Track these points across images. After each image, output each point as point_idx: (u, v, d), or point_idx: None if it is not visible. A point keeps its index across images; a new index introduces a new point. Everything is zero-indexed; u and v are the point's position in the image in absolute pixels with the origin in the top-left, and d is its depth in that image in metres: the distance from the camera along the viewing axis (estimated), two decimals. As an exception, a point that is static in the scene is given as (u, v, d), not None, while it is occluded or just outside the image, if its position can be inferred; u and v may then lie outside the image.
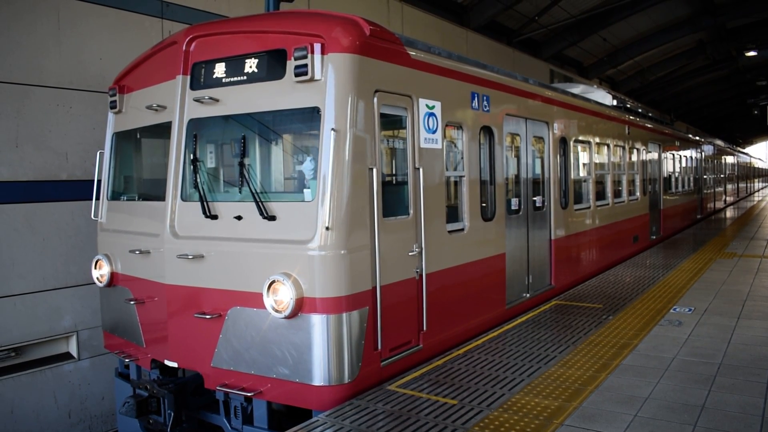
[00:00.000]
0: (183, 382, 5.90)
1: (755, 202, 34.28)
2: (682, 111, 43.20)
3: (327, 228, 4.83)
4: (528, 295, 8.32)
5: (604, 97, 12.75)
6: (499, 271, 7.46)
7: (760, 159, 65.04)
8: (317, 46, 4.95)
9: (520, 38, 20.84)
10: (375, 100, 5.24)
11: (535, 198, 8.64)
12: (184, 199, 5.68)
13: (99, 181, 6.90)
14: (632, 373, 5.54)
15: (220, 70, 5.53)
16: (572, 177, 9.87)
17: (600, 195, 11.41)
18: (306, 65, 4.93)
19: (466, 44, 17.52)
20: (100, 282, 6.59)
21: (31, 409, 7.64)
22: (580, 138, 10.25)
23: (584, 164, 10.79)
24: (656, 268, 11.12)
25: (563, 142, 9.47)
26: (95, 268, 6.62)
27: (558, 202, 9.24)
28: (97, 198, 6.89)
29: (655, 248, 14.09)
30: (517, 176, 8.30)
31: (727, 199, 31.36)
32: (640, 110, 15.22)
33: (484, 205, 7.14)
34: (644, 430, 4.35)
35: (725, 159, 30.58)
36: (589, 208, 10.65)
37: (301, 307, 4.88)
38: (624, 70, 29.52)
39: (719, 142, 29.98)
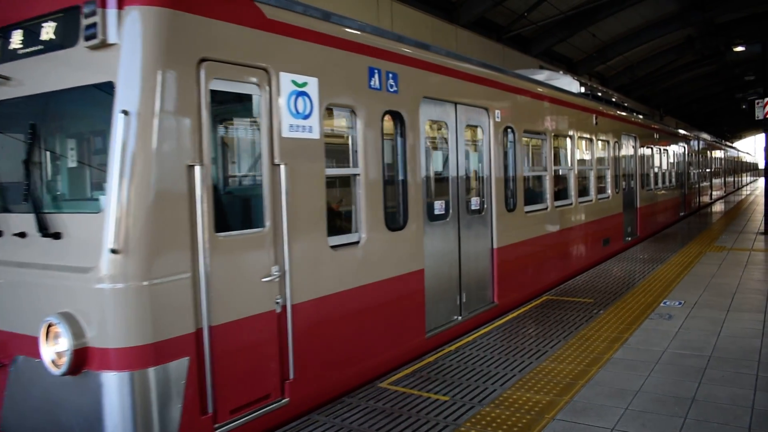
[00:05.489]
0: None
1: (743, 197, 34.53)
2: (671, 106, 43.45)
3: (113, 251, 3.58)
4: (460, 318, 7.00)
5: (570, 83, 11.49)
6: (415, 291, 6.15)
7: (748, 153, 65.62)
8: None
9: (510, 35, 20.91)
10: (202, 72, 3.98)
11: (471, 199, 7.40)
12: None
13: None
14: (623, 366, 5.57)
15: (16, 39, 4.28)
16: (522, 174, 8.48)
17: (560, 194, 10.05)
18: (95, 24, 3.74)
19: (455, 41, 17.53)
20: None
21: None
22: (533, 128, 8.91)
23: (540, 159, 9.49)
24: (646, 263, 11.18)
25: (510, 133, 8.18)
26: None
27: (502, 203, 7.90)
28: None
29: (636, 248, 13.38)
30: (443, 174, 6.95)
31: (714, 194, 31.07)
32: (614, 99, 13.70)
33: (390, 210, 5.90)
34: (635, 423, 4.37)
35: (712, 153, 30.45)
36: (545, 209, 9.29)
37: (85, 361, 3.68)
38: (613, 66, 29.66)
39: (705, 136, 29.70)
